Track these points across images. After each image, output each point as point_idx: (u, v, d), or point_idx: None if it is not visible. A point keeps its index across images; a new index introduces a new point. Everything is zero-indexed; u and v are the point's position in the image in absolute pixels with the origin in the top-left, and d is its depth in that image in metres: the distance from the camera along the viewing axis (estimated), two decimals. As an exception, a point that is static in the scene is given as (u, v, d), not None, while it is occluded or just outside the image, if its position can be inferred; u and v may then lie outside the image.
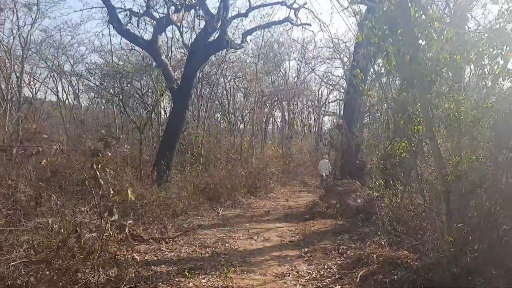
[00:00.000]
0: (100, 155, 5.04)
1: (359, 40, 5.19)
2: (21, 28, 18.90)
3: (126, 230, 7.77)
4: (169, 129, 15.64)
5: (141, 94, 19.44)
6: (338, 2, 33.83)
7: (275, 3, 15.99)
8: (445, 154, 5.31)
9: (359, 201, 11.68)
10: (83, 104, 33.40)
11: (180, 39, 16.25)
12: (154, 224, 8.76)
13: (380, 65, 5.29)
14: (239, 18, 16.78)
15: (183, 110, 15.39)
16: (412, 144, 5.66)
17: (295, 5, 15.90)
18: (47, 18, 37.63)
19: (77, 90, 31.12)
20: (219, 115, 32.64)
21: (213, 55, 22.24)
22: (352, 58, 16.99)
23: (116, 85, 15.36)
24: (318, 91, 38.13)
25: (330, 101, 43.45)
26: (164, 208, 10.02)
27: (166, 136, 15.60)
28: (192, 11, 16.97)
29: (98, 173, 4.74)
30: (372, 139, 11.34)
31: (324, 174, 16.59)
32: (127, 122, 19.98)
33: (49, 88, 29.37)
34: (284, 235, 9.72)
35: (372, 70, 10.26)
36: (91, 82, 16.78)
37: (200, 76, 23.04)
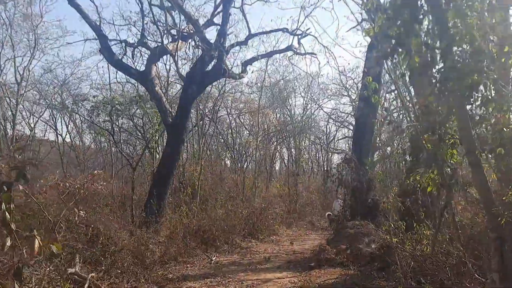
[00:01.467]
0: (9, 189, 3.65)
1: (371, 34, 3.93)
2: (9, 60, 18.14)
3: (86, 285, 6.29)
4: (162, 165, 14.35)
5: (142, 132, 18.33)
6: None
7: (276, 30, 15.05)
8: (493, 186, 3.90)
9: (373, 246, 10.06)
10: (86, 143, 32.41)
11: (176, 70, 15.19)
12: (126, 276, 7.25)
13: (399, 68, 4.02)
14: (240, 47, 15.81)
15: (177, 144, 14.15)
16: (445, 175, 4.26)
17: (298, 32, 14.90)
18: (47, 55, 37.16)
19: (80, 129, 30.27)
20: (224, 153, 31.44)
21: (215, 89, 21.34)
22: (362, 78, 15.79)
23: (108, 118, 14.25)
24: (326, 127, 36.97)
25: (338, 138, 42.28)
26: (140, 256, 8.49)
27: (159, 173, 14.29)
28: (191, 42, 16.07)
29: (7, 215, 3.35)
30: (386, 173, 9.86)
31: (331, 213, 15.04)
32: (122, 159, 18.74)
33: (49, 125, 28.53)
34: (284, 288, 8.12)
35: (387, 75, 8.94)
36: (78, 113, 15.72)
37: (202, 112, 22.01)
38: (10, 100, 21.84)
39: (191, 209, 14.89)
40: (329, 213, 15.34)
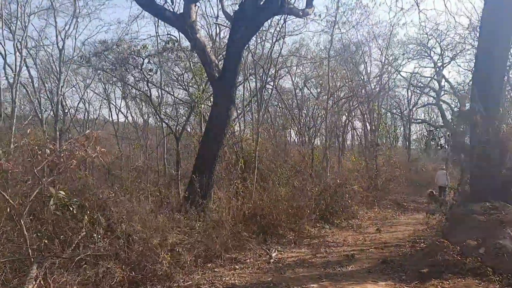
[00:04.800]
0: None
1: None
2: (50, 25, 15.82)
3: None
4: (208, 131, 11.33)
5: (187, 92, 15.18)
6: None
7: None
8: None
9: (524, 242, 6.32)
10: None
11: (221, 8, 11.98)
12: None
13: None
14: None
15: (226, 104, 10.98)
16: None
17: None
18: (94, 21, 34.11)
19: (140, 105, 27.95)
20: (288, 125, 28.08)
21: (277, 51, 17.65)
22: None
23: (141, 76, 11.45)
24: (407, 92, 32.38)
25: (418, 107, 37.31)
26: (151, 258, 5.45)
27: (205, 141, 11.28)
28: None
29: None
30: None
31: (435, 190, 11.27)
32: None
33: (102, 97, 26.31)
34: (391, 321, 4.72)
35: None
36: (100, 69, 13.02)
37: (263, 77, 18.63)
38: (57, 71, 19.79)
39: (247, 187, 11.87)
40: (431, 190, 11.59)
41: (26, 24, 15.13)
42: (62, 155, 5.66)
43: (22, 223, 4.95)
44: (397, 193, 18.90)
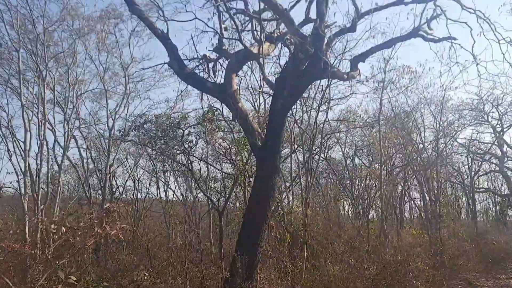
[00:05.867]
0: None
1: None
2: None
3: None
4: (251, 205, 10.56)
5: (232, 163, 14.63)
6: None
7: (395, 4, 10.57)
8: None
9: None
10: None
11: (262, 76, 11.72)
12: None
13: None
14: (346, 40, 11.87)
15: (270, 174, 10.27)
16: None
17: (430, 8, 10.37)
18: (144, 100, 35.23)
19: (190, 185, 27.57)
20: (341, 198, 26.74)
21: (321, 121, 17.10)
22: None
23: (183, 149, 11.14)
24: (467, 159, 30.28)
25: (480, 174, 34.80)
26: None
27: (248, 216, 10.45)
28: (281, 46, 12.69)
29: None
30: None
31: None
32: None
33: (150, 174, 26.35)
34: None
35: None
36: (139, 143, 12.83)
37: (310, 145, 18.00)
38: (108, 151, 20.06)
39: (296, 266, 10.73)
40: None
41: (78, 105, 15.70)
42: (79, 233, 5.05)
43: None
44: (468, 270, 16.65)
